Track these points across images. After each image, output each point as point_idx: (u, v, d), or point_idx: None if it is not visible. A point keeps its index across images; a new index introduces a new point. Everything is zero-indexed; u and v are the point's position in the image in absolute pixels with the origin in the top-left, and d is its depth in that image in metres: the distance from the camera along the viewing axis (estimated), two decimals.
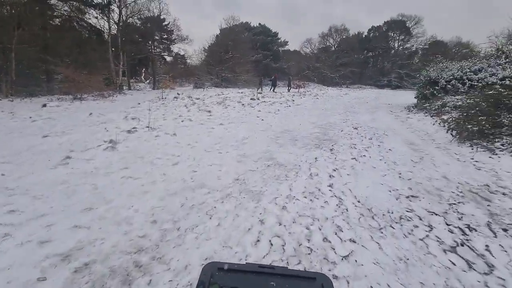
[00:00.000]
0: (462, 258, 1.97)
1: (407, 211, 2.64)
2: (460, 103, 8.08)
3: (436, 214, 2.60)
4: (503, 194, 3.07)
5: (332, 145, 4.95)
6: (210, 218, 2.37)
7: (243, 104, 10.73)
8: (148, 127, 5.89)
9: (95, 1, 18.55)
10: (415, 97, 12.61)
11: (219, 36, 28.96)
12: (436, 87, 10.78)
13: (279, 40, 38.73)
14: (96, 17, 19.42)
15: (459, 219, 2.54)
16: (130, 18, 21.75)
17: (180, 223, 2.28)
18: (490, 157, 4.41)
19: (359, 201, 2.77)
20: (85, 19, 19.10)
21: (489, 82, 8.74)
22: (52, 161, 3.61)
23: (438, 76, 10.93)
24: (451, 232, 2.31)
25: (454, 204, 2.84)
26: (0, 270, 1.68)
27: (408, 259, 1.92)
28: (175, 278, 1.68)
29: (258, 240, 2.08)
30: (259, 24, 37.09)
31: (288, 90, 20.54)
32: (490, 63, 9.76)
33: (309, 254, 1.94)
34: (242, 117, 7.95)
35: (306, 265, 1.82)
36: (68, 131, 5.36)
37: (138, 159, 3.88)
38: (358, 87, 35.73)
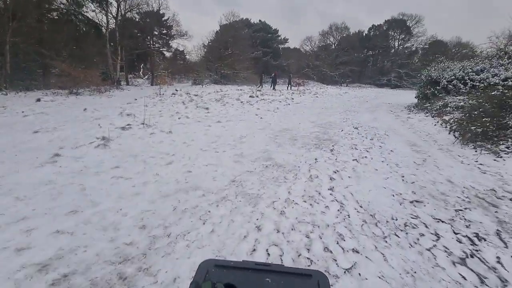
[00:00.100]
0: (473, 271, 1.84)
1: (412, 218, 2.50)
2: (462, 103, 7.95)
3: (443, 222, 2.46)
4: (511, 200, 2.94)
5: (333, 146, 4.80)
6: (204, 224, 2.22)
7: (241, 102, 10.55)
8: (143, 124, 5.71)
9: None
10: (415, 97, 12.48)
11: (219, 33, 28.64)
12: (437, 87, 10.64)
13: (279, 38, 38.47)
14: (94, 11, 19.12)
15: (467, 227, 2.41)
16: (129, 13, 21.45)
17: (171, 229, 2.13)
18: (494, 160, 4.28)
19: (361, 206, 2.63)
20: (83, 13, 18.78)
21: (491, 83, 8.63)
22: (40, 159, 3.44)
23: (440, 76, 10.79)
24: (460, 241, 2.17)
25: (460, 210, 2.71)
26: None
27: (415, 272, 1.78)
28: None
29: (254, 249, 1.94)
30: (259, 21, 36.80)
31: (288, 88, 20.36)
32: (493, 64, 9.63)
33: (309, 266, 1.79)
34: (240, 115, 7.78)
35: None
36: (60, 127, 5.18)
37: (130, 158, 3.72)
38: (358, 86, 35.60)
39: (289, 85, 20.78)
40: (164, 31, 26.73)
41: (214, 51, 26.35)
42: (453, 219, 2.52)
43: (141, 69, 31.55)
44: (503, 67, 8.94)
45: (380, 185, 3.16)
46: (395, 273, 1.76)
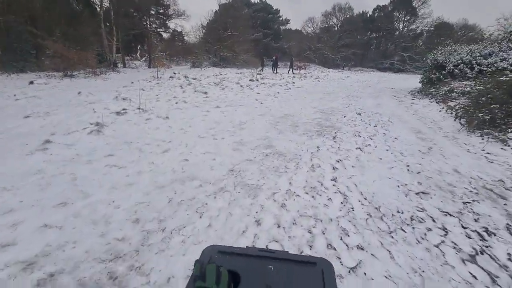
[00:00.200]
0: (484, 269, 1.74)
1: (418, 211, 2.39)
2: (468, 89, 7.71)
3: (450, 215, 2.36)
4: None
5: (335, 133, 4.64)
6: (200, 217, 2.11)
7: (241, 86, 10.27)
8: (139, 108, 5.52)
9: None
10: (419, 82, 12.17)
11: (218, 13, 27.62)
12: (443, 72, 10.33)
13: (280, 18, 37.25)
14: None
15: (476, 220, 2.30)
16: None
17: (165, 223, 2.02)
18: (502, 148, 4.15)
19: (365, 198, 2.51)
20: None
21: (499, 68, 8.35)
22: (30, 146, 3.29)
23: (446, 60, 10.44)
24: (469, 237, 2.07)
25: (468, 202, 2.60)
26: None
27: (423, 271, 1.68)
28: None
29: (254, 246, 1.83)
30: (260, 0, 35.39)
31: (290, 72, 19.87)
32: (502, 47, 9.28)
33: None
34: (240, 100, 7.56)
35: None
36: (52, 112, 4.99)
37: (125, 145, 3.57)
38: (360, 70, 34.89)
39: (291, 69, 20.25)
40: (161, 11, 25.70)
41: (213, 32, 25.53)
42: (461, 212, 2.41)
43: (139, 51, 30.73)
44: None
45: (384, 175, 3.04)
46: (403, 272, 1.67)
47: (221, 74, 15.08)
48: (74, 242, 1.76)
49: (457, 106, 6.40)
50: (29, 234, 1.81)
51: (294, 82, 13.11)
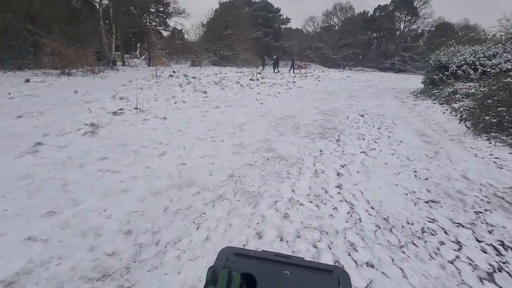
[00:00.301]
0: None
1: (429, 221, 2.26)
2: (473, 90, 7.58)
3: (463, 226, 2.22)
4: None
5: (338, 135, 4.50)
6: (197, 229, 1.97)
7: (241, 85, 10.11)
8: (136, 108, 5.37)
9: None
10: (422, 82, 12.02)
11: (218, 11, 27.42)
12: (446, 73, 10.19)
13: (281, 17, 37.04)
14: None
15: (490, 232, 2.17)
16: None
17: (160, 235, 1.88)
18: (510, 153, 4.02)
19: (373, 208, 2.38)
20: None
21: (503, 69, 8.22)
22: (20, 148, 3.14)
23: (449, 60, 10.30)
24: (484, 251, 1.94)
25: (480, 212, 2.47)
26: None
27: None
28: None
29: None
30: None
31: (291, 71, 19.69)
32: (506, 48, 9.14)
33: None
34: (240, 100, 7.41)
35: None
36: (47, 111, 4.83)
37: (120, 148, 3.42)
38: (360, 70, 34.74)
39: (292, 68, 20.05)
40: (161, 9, 25.49)
41: (213, 31, 25.34)
42: (473, 223, 2.28)
43: (138, 49, 30.52)
44: None
45: (391, 182, 2.91)
46: None
47: (221, 73, 14.92)
48: (60, 257, 1.62)
49: (462, 108, 6.27)
50: (11, 248, 1.67)
51: (295, 82, 12.95)
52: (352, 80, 17.51)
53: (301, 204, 2.35)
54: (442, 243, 1.99)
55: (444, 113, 6.78)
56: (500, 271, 1.77)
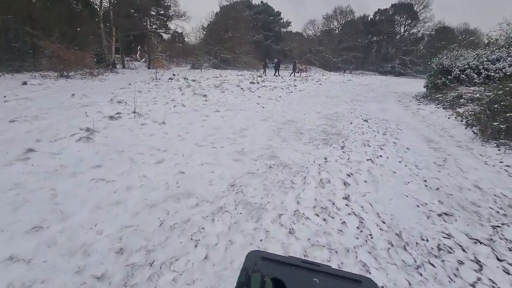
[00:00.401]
0: None
1: (445, 237, 2.10)
2: (477, 95, 7.45)
3: (481, 243, 2.07)
4: None
5: (343, 142, 4.35)
6: (196, 246, 1.81)
7: (242, 89, 9.99)
8: (134, 112, 5.22)
9: None
10: (424, 86, 11.90)
11: (219, 14, 27.40)
12: (449, 77, 10.07)
13: (282, 21, 37.09)
14: None
15: (510, 250, 2.01)
16: None
17: (154, 254, 1.72)
18: None
19: (384, 222, 2.22)
20: None
21: (507, 73, 8.12)
22: (10, 155, 2.99)
23: (452, 64, 10.19)
24: (507, 272, 1.78)
25: (498, 226, 2.31)
26: None
27: None
28: None
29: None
30: (261, 2, 35.29)
31: (292, 75, 19.59)
32: (510, 52, 9.03)
33: None
34: (240, 104, 7.27)
35: None
36: (41, 116, 4.68)
37: (115, 154, 3.27)
38: (361, 73, 34.72)
39: (294, 72, 19.94)
40: (162, 11, 25.47)
41: (214, 34, 25.27)
42: (492, 239, 2.12)
43: (138, 52, 30.44)
44: None
45: (401, 193, 2.75)
46: None
47: (221, 76, 14.82)
48: (43, 281, 1.46)
49: (467, 113, 6.13)
50: None
51: (295, 85, 12.84)
52: (353, 84, 17.41)
53: (307, 218, 2.19)
54: (461, 262, 1.84)
55: (449, 118, 6.64)
56: None
